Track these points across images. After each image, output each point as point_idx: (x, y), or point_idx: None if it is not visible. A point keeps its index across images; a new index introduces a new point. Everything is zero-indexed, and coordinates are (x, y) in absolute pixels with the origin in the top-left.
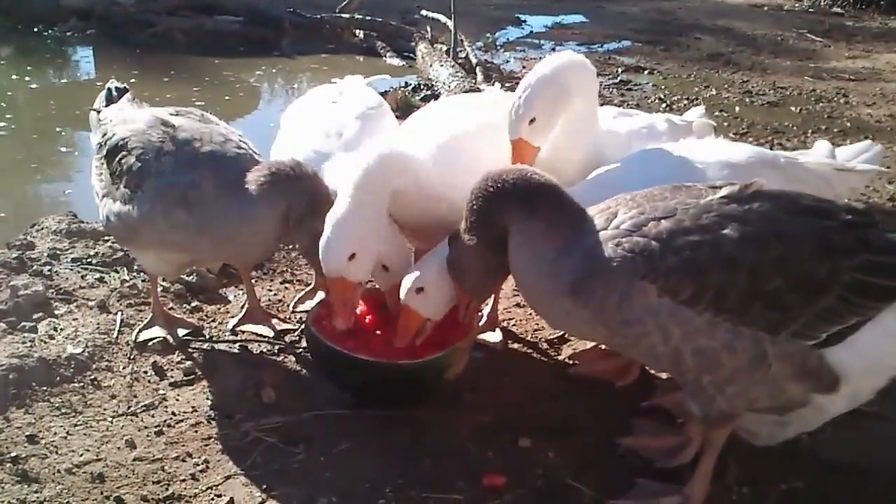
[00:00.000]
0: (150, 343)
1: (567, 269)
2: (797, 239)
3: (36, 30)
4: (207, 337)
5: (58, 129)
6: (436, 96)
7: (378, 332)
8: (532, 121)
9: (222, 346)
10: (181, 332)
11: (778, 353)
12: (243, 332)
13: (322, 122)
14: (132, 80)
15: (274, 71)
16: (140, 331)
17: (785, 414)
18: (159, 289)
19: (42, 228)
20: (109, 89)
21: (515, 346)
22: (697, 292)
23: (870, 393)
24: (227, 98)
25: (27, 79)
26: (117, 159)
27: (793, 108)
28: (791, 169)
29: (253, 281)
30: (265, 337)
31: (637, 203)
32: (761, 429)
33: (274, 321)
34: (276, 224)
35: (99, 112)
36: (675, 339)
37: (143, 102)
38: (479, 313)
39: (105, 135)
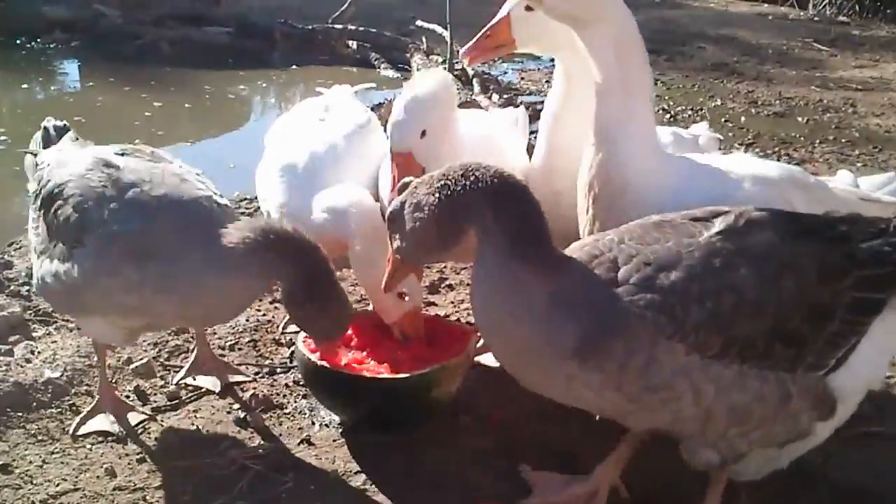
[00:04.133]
0: (91, 436)
1: (571, 325)
2: (801, 267)
3: (18, 42)
4: (156, 411)
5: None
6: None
7: (369, 353)
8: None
9: (178, 422)
10: (132, 417)
11: (799, 389)
12: (187, 386)
13: (309, 143)
14: (118, 94)
15: (265, 84)
16: (81, 421)
17: (792, 444)
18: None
19: (20, 247)
20: (46, 129)
21: None
22: (726, 344)
23: (852, 411)
24: (216, 112)
25: (8, 93)
26: (53, 210)
27: (800, 119)
28: (819, 191)
29: None
30: (213, 392)
31: (631, 248)
32: (749, 465)
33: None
34: (259, 289)
35: (35, 155)
36: (709, 399)
37: (89, 142)
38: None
39: (41, 181)
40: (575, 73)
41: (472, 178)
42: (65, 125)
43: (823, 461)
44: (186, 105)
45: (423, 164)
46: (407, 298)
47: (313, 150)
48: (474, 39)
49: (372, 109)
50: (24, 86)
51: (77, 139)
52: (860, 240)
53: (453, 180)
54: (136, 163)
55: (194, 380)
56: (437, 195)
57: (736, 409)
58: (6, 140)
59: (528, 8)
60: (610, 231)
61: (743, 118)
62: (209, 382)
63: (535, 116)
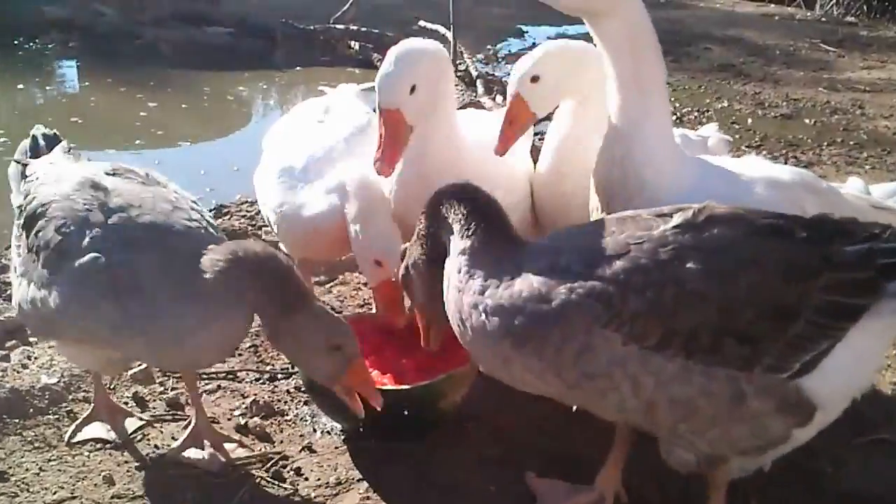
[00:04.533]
0: (88, 443)
1: (508, 312)
2: (761, 264)
3: (16, 42)
4: (155, 418)
5: None
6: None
7: (372, 362)
8: (535, 78)
9: (178, 429)
10: (129, 424)
11: (755, 390)
12: (184, 459)
13: (307, 145)
14: (116, 95)
15: (266, 85)
16: (77, 428)
17: (766, 452)
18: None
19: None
20: (35, 137)
21: None
22: (666, 336)
23: (834, 417)
24: (217, 113)
25: (6, 93)
26: (35, 231)
27: (807, 121)
28: (831, 196)
29: None
30: (211, 471)
31: (581, 241)
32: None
33: (230, 446)
34: (242, 326)
35: (25, 165)
36: (649, 391)
37: (81, 154)
38: None
39: (27, 196)
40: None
41: (434, 203)
42: (55, 134)
43: (833, 469)
44: (185, 106)
45: (411, 123)
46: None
47: (311, 153)
48: (499, 132)
49: (375, 111)
50: (21, 86)
51: (69, 150)
52: (847, 243)
53: (425, 228)
54: (127, 185)
55: (187, 457)
56: (422, 247)
57: (678, 403)
58: (6, 142)
59: (534, 79)
60: (574, 226)
61: (750, 120)
62: (208, 460)
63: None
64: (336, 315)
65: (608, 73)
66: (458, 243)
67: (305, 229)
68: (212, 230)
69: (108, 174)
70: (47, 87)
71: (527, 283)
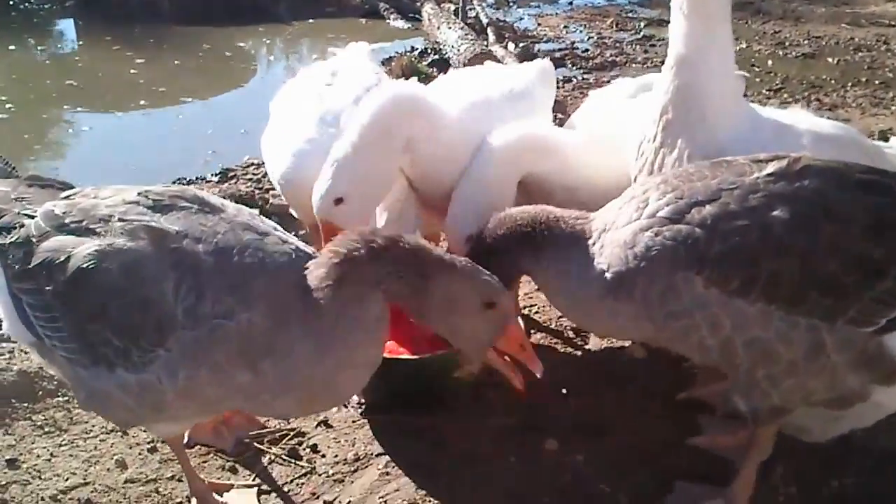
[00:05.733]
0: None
1: (599, 273)
2: (849, 217)
3: (11, 2)
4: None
5: (41, 110)
6: (444, 61)
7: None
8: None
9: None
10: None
11: (836, 342)
12: (198, 440)
13: (315, 109)
14: (115, 54)
15: (270, 39)
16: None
17: (842, 408)
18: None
19: None
20: None
21: (538, 336)
22: (747, 282)
23: None
24: (220, 70)
25: (3, 56)
26: (93, 307)
27: (830, 60)
28: (875, 154)
29: None
30: (226, 450)
31: (672, 185)
32: (814, 424)
33: (244, 423)
34: (380, 334)
35: None
36: (726, 331)
37: (83, 119)
38: None
39: (27, 247)
40: None
41: (499, 238)
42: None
43: (865, 428)
44: (187, 63)
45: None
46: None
47: (320, 116)
48: None
49: (382, 64)
50: (13, 47)
51: (11, 171)
52: None
53: (486, 248)
54: (190, 221)
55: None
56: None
57: (755, 345)
58: (11, 108)
59: (337, 201)
60: (671, 172)
61: (770, 61)
62: (220, 441)
63: (556, 63)
64: (481, 268)
65: (673, 2)
66: (536, 259)
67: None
68: (302, 246)
69: (151, 208)
70: (45, 48)
71: (611, 241)
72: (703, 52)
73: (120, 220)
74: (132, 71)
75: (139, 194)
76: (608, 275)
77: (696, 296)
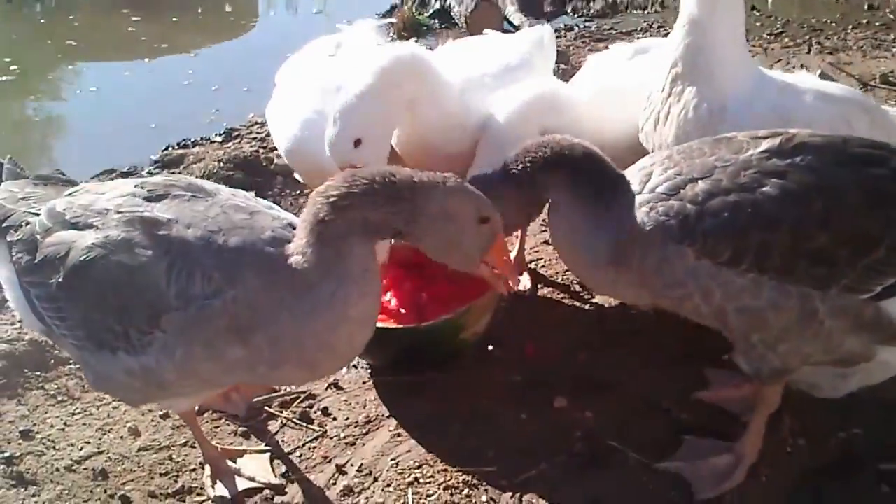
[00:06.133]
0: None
1: (604, 241)
2: (840, 191)
3: None
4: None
5: (46, 72)
6: (445, 11)
7: (393, 295)
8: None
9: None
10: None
11: (829, 308)
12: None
13: (320, 78)
14: (112, 12)
15: None
16: (214, 489)
17: (847, 367)
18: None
19: None
20: None
21: (545, 290)
22: (737, 253)
23: None
24: (218, 26)
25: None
26: (89, 293)
27: (830, 1)
28: (880, 116)
29: None
30: (238, 414)
31: (674, 161)
32: (823, 381)
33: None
34: (375, 282)
35: None
36: (718, 300)
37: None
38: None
39: (32, 243)
40: None
41: (540, 156)
42: None
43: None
44: (184, 18)
45: (373, 162)
46: None
47: (325, 87)
48: None
49: (383, 16)
50: (9, 2)
51: (20, 172)
52: None
53: (523, 164)
54: (182, 208)
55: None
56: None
57: (746, 312)
58: (16, 69)
59: (357, 143)
60: (677, 147)
61: (770, 4)
62: (231, 406)
63: (558, 11)
64: (468, 184)
65: None
66: (565, 194)
67: (322, 165)
68: (284, 214)
69: (148, 199)
70: (38, 6)
71: (619, 210)
72: (714, 16)
73: (116, 212)
74: (130, 28)
75: (136, 186)
76: (610, 246)
77: (689, 267)
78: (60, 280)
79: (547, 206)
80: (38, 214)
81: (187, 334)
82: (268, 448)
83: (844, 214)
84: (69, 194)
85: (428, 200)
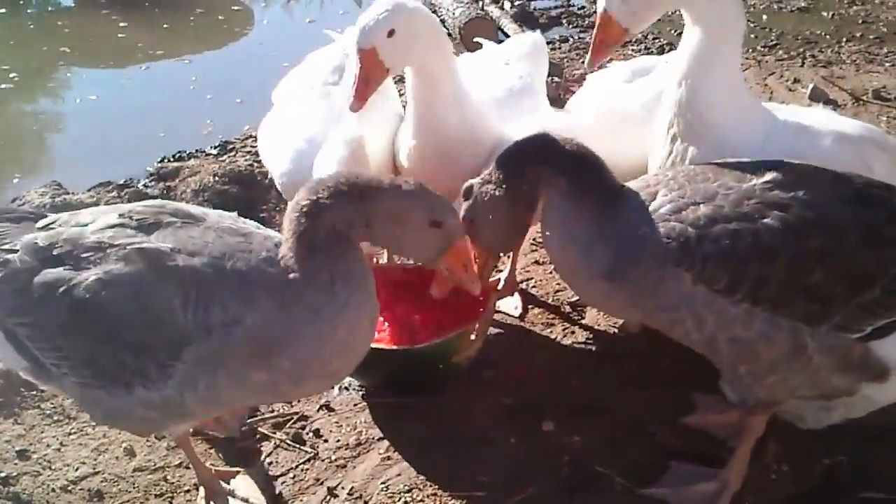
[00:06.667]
0: None
1: (602, 254)
2: (840, 229)
3: None
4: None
5: (45, 80)
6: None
7: (385, 317)
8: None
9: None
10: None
11: (819, 345)
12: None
13: (318, 106)
14: (106, 17)
15: (265, 1)
16: None
17: (832, 400)
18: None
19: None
20: None
21: (536, 311)
22: (734, 282)
23: None
24: (213, 34)
25: None
26: (98, 329)
27: (825, 14)
28: None
29: None
30: (231, 437)
31: (679, 184)
32: (806, 413)
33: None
34: (369, 294)
35: None
36: (710, 328)
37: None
38: (497, 276)
39: (17, 283)
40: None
41: (535, 156)
42: None
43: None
44: (176, 26)
45: (387, 65)
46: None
47: (323, 114)
48: (591, 48)
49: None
50: (3, 10)
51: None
52: None
53: (515, 164)
54: (179, 236)
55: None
56: (503, 185)
57: (737, 343)
58: (14, 77)
59: (390, 33)
60: (681, 169)
61: (765, 16)
62: (224, 428)
63: (553, 22)
64: (433, 191)
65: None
66: (560, 193)
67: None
68: (273, 233)
69: (138, 229)
70: (31, 10)
71: (618, 225)
72: (706, 66)
73: (111, 246)
74: (120, 35)
75: (120, 216)
76: (608, 261)
77: (684, 292)
78: (60, 320)
79: (540, 207)
80: (14, 251)
81: (211, 364)
82: (261, 470)
83: (843, 252)
84: (44, 227)
85: (379, 202)
